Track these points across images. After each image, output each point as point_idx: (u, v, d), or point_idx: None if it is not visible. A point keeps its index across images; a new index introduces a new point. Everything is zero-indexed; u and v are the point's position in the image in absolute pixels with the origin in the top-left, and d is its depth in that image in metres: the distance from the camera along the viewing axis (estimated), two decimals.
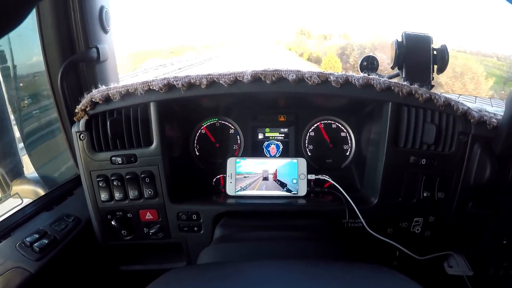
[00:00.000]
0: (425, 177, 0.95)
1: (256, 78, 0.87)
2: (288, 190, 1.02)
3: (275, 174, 1.03)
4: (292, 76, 0.87)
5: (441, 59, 1.02)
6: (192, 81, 0.87)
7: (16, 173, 1.15)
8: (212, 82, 0.88)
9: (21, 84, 1.11)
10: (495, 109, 0.97)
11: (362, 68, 1.18)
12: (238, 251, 0.82)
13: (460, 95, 1.09)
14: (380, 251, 1.00)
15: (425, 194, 0.95)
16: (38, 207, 0.97)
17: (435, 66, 1.03)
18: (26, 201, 1.00)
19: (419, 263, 0.99)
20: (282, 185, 1.03)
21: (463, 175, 0.95)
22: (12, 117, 1.11)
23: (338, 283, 0.56)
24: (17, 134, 1.14)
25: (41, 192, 1.11)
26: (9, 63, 1.05)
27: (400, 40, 1.02)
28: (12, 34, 1.04)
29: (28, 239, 0.84)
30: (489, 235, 1.03)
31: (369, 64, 1.19)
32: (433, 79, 1.02)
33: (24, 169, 1.18)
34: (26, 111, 1.14)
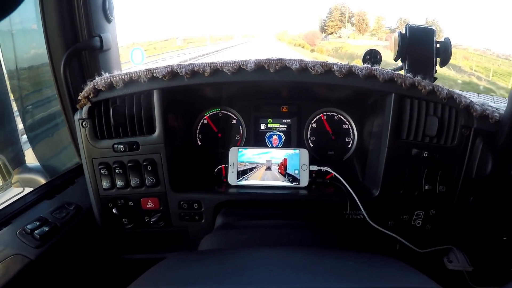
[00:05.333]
0: (427, 170, 0.94)
1: (260, 67, 0.87)
2: (290, 181, 1.02)
3: (284, 166, 1.03)
4: (296, 65, 0.87)
5: (444, 52, 1.02)
6: (195, 69, 0.87)
7: (18, 161, 1.15)
8: (216, 70, 0.87)
9: (24, 75, 1.11)
10: (497, 105, 0.97)
11: (365, 62, 1.19)
12: (239, 238, 0.83)
13: (462, 91, 1.09)
14: (381, 243, 1.00)
15: (426, 187, 0.95)
16: (39, 195, 0.96)
17: (438, 59, 1.03)
18: (28, 189, 1.00)
19: (419, 256, 0.99)
20: (285, 175, 1.03)
21: (465, 169, 0.95)
22: (14, 106, 1.11)
23: (340, 268, 0.56)
24: (19, 124, 1.14)
25: (42, 181, 1.11)
26: (12, 54, 1.05)
27: (403, 32, 1.02)
28: (15, 26, 1.04)
29: (28, 226, 0.83)
30: (490, 231, 1.04)
31: (372, 57, 1.19)
32: (436, 71, 1.02)
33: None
34: (29, 101, 1.13)
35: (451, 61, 1.03)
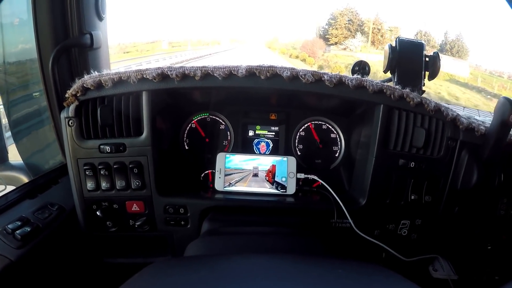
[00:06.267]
0: (413, 180, 0.96)
1: (251, 73, 0.87)
2: (277, 188, 1.02)
3: (272, 172, 1.03)
4: (287, 73, 0.87)
5: (433, 66, 1.03)
6: (186, 72, 0.86)
7: (1, 159, 1.12)
8: (207, 74, 0.87)
9: (10, 69, 1.08)
10: (483, 119, 0.99)
11: (354, 73, 1.19)
12: (225, 244, 0.82)
13: (449, 104, 1.10)
14: (367, 252, 1.01)
15: (412, 197, 0.96)
16: (21, 194, 0.94)
17: (427, 73, 1.05)
18: (10, 188, 0.98)
19: (405, 265, 1.00)
20: (271, 182, 1.02)
21: (451, 180, 0.96)
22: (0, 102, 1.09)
23: (329, 276, 0.56)
24: (4, 120, 1.11)
25: (25, 180, 1.09)
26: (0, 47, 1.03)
27: (393, 45, 1.04)
28: (4, 19, 1.02)
29: (10, 226, 0.81)
30: (474, 240, 1.05)
31: (361, 69, 1.20)
32: (424, 85, 1.04)
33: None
34: (15, 96, 1.11)
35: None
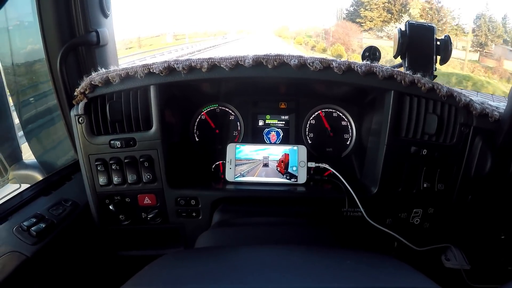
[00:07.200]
0: (426, 168, 0.94)
1: (258, 63, 0.87)
2: (288, 178, 1.02)
3: (284, 162, 1.03)
4: (294, 61, 0.86)
5: (444, 50, 1.01)
6: (193, 64, 0.86)
7: (14, 158, 1.14)
8: (213, 66, 0.87)
9: (20, 70, 1.10)
10: (497, 104, 0.96)
11: (364, 59, 1.17)
12: (236, 235, 0.82)
13: (462, 89, 1.08)
14: (378, 241, 1.00)
15: (425, 185, 0.95)
16: (36, 191, 0.96)
17: (438, 57, 1.02)
18: (24, 186, 0.99)
19: (417, 254, 0.99)
20: (283, 172, 1.02)
21: (464, 167, 0.94)
22: (11, 102, 1.10)
23: (338, 267, 0.55)
24: (16, 120, 1.13)
25: (39, 177, 1.10)
26: (8, 49, 1.04)
27: (403, 29, 1.01)
28: (11, 21, 1.03)
29: (25, 223, 0.82)
30: (488, 229, 1.03)
31: (371, 54, 1.18)
32: (435, 69, 1.02)
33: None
34: (25, 96, 1.13)
35: None
